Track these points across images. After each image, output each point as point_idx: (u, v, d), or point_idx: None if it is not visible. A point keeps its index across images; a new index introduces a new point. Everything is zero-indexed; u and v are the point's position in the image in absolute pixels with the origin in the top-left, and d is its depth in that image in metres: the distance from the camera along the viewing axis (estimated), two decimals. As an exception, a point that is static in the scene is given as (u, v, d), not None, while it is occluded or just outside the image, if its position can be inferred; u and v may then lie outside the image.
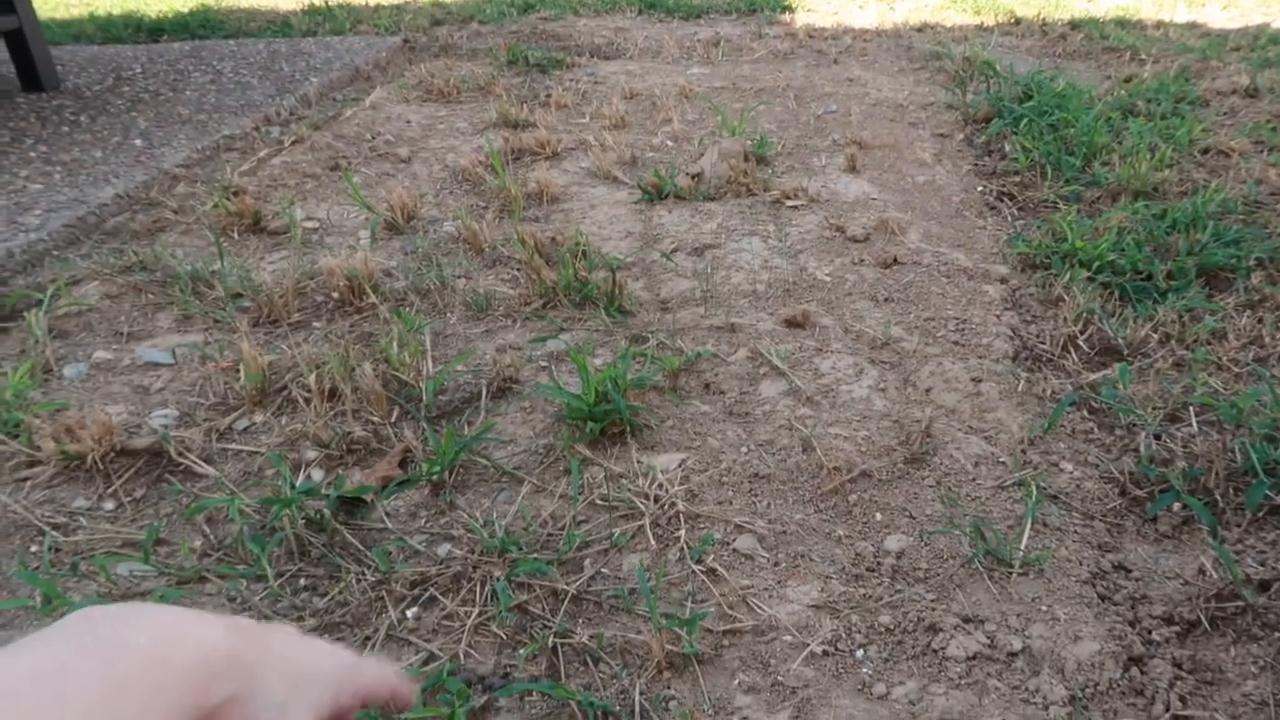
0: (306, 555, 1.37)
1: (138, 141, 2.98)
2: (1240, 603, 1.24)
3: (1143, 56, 3.99)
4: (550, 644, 1.19)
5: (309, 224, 2.46)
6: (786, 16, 4.99)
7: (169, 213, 2.50)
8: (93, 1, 5.84)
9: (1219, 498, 1.44)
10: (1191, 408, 1.64)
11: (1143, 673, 1.14)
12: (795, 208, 2.46)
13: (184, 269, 2.16)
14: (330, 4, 5.40)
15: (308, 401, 1.70)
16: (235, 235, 2.39)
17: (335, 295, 2.06)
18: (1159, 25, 4.64)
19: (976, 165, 2.85)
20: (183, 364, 1.87)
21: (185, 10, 5.10)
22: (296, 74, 3.76)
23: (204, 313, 2.02)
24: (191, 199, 2.61)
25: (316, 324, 2.00)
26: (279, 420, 1.67)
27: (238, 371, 1.78)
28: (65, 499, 1.48)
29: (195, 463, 1.55)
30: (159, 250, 2.25)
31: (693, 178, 2.64)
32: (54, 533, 1.40)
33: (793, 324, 1.90)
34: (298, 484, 1.50)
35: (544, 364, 1.82)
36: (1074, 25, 4.60)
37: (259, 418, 1.69)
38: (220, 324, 2.00)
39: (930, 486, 1.47)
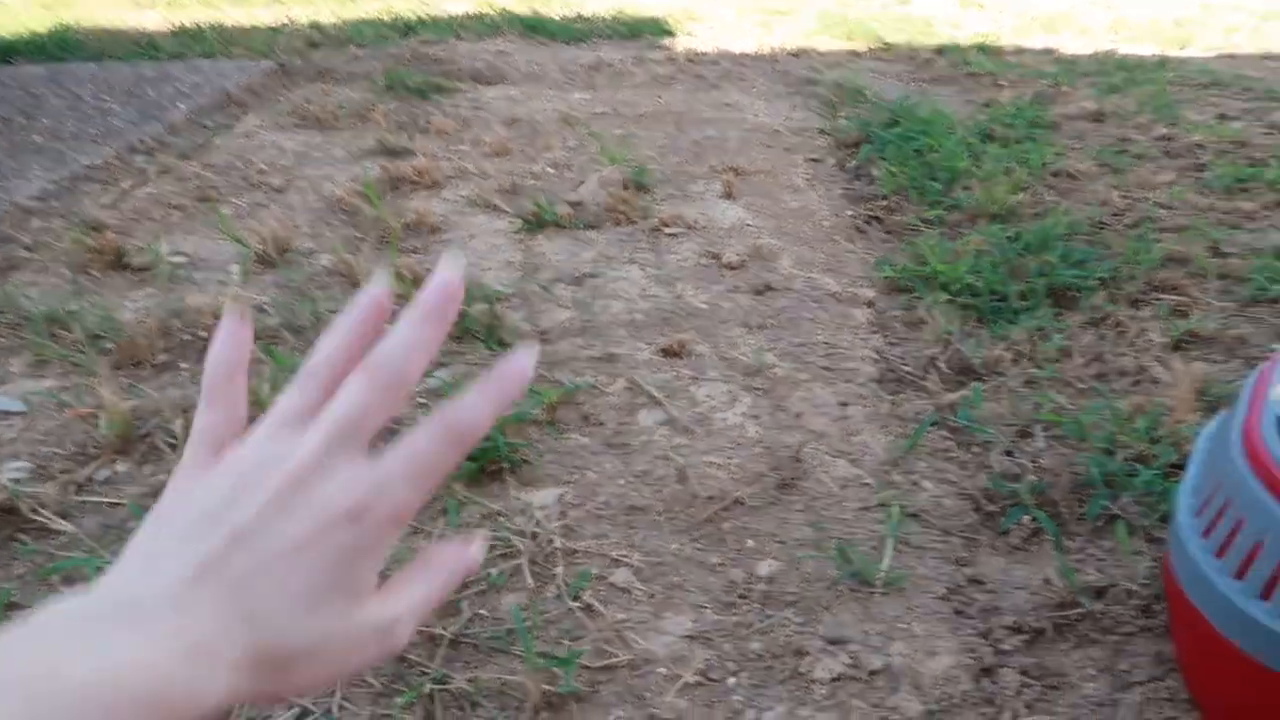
0: (171, 611, 1.32)
1: (-12, 173, 2.83)
2: (1080, 609, 1.32)
3: (1001, 82, 4.22)
4: (428, 691, 1.19)
5: (176, 259, 2.39)
6: (668, 41, 5.09)
7: (21, 250, 2.38)
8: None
9: (1064, 510, 1.53)
10: (1040, 424, 1.74)
11: (993, 682, 1.21)
12: (673, 235, 2.51)
13: (38, 309, 2.06)
14: (201, 25, 5.24)
15: (173, 448, 1.64)
16: (95, 273, 2.30)
17: (203, 334, 2.00)
18: (1017, 51, 4.91)
19: (847, 190, 2.96)
20: (37, 412, 1.79)
21: (42, 30, 4.86)
22: (163, 99, 3.64)
23: (61, 356, 1.93)
24: (47, 234, 2.49)
25: (184, 365, 1.94)
26: (142, 469, 1.62)
27: (97, 418, 1.71)
28: (-95, 564, 1.40)
29: (50, 519, 1.49)
30: (10, 290, 2.15)
31: (573, 206, 2.67)
32: (-108, 602, 1.32)
33: (670, 353, 1.94)
34: (162, 536, 1.45)
35: (423, 401, 1.81)
36: (939, 51, 4.83)
37: (121, 467, 1.63)
38: (79, 368, 1.91)
39: (800, 511, 1.52)
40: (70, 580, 1.39)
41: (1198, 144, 3.29)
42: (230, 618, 0.33)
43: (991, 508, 1.55)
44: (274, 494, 0.35)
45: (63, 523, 1.48)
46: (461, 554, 0.41)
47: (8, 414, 1.79)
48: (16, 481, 1.57)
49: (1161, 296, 2.23)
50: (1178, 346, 2.02)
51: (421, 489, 0.37)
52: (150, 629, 0.31)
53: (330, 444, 0.37)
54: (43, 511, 1.50)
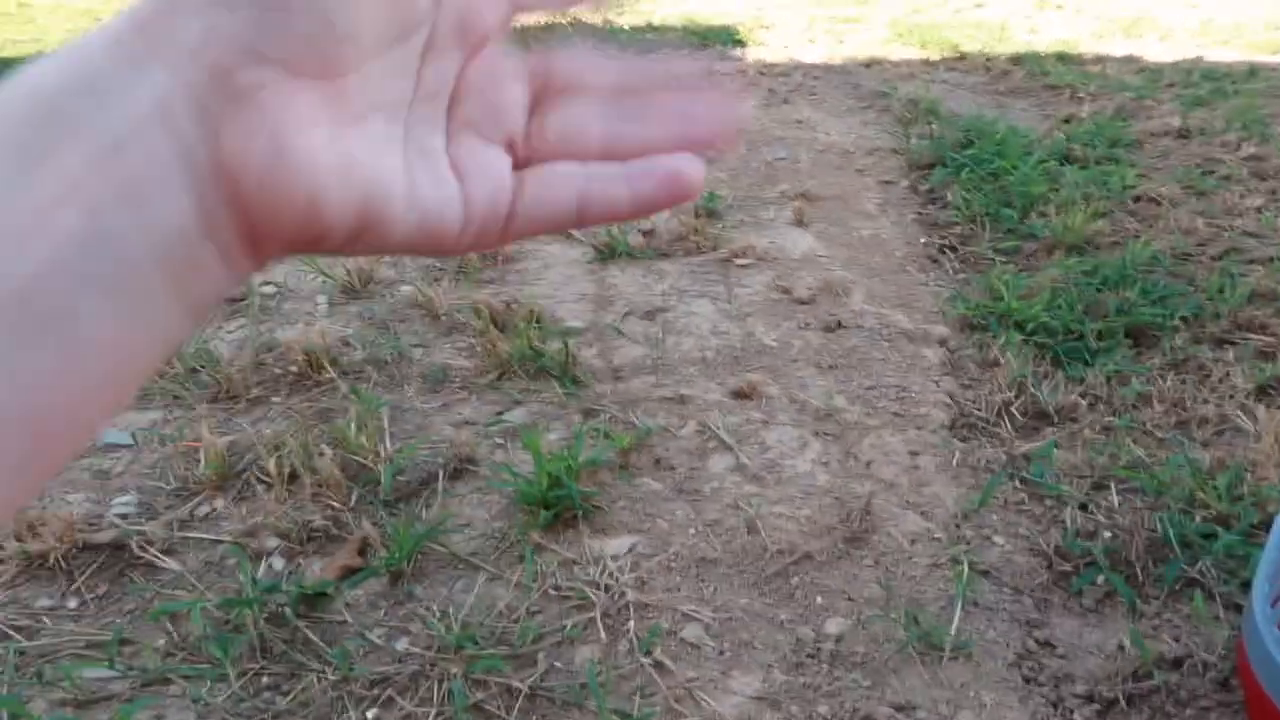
0: (269, 653, 1.41)
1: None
2: (1154, 680, 1.32)
3: (1081, 95, 4.13)
4: (506, 742, 1.24)
5: (266, 289, 2.49)
6: (738, 51, 5.09)
7: (125, 280, 2.51)
8: None
9: (1139, 571, 1.52)
10: (1116, 479, 1.73)
11: (1063, 757, 1.22)
12: (744, 266, 2.53)
13: (141, 342, 2.18)
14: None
15: (268, 487, 1.73)
16: (192, 303, 2.41)
17: (293, 369, 2.09)
18: (1098, 60, 4.79)
19: (920, 215, 2.95)
20: (142, 445, 1.90)
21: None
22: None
23: (162, 390, 2.04)
24: (147, 263, 2.62)
25: (275, 399, 2.04)
26: (239, 508, 1.71)
27: (198, 454, 1.81)
28: (29, 599, 1.51)
29: (157, 556, 1.58)
30: (116, 323, 2.27)
31: (645, 235, 2.71)
32: (18, 636, 1.43)
33: (740, 395, 1.97)
34: (259, 577, 1.54)
35: (500, 441, 1.87)
36: (1016, 60, 4.74)
37: (219, 504, 1.73)
38: (179, 401, 2.02)
39: (869, 566, 1.54)
40: (176, 618, 1.48)
41: (1289, 165, 3.18)
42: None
43: (1065, 566, 1.55)
44: None
45: (168, 560, 1.58)
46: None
47: (117, 447, 1.90)
48: (124, 518, 1.67)
49: (1248, 336, 2.18)
50: (1263, 392, 1.98)
51: None
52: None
53: None
54: (150, 549, 1.60)
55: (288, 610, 1.45)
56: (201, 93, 0.23)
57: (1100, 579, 1.52)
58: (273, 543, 1.62)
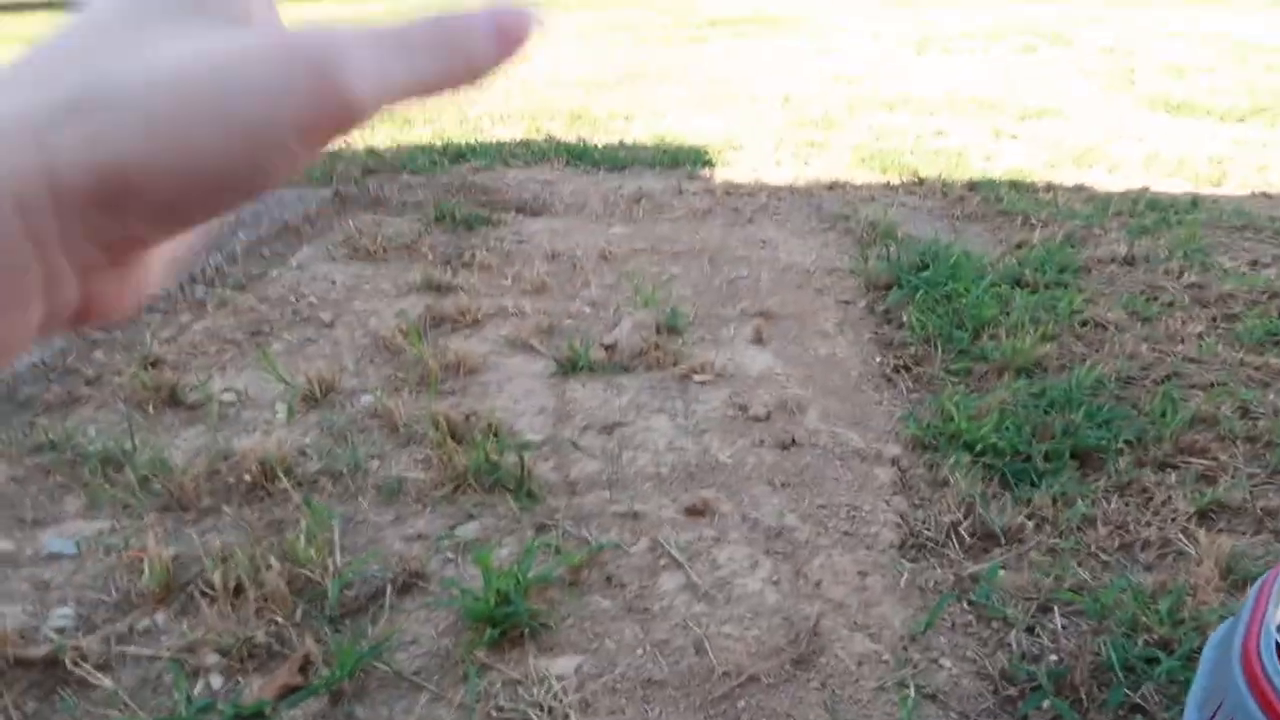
0: (198, 777, 1.37)
1: (59, 304, 3.00)
2: (1097, 813, 1.31)
3: (1033, 221, 4.30)
4: None
5: (227, 396, 2.50)
6: (706, 171, 5.27)
7: (84, 385, 2.52)
8: None
9: (1084, 696, 1.53)
10: (1061, 601, 1.75)
11: None
12: (703, 383, 2.58)
13: (94, 448, 2.17)
14: (266, 150, 5.54)
15: (211, 601, 1.71)
16: (151, 410, 2.41)
17: (247, 478, 2.09)
18: (1049, 188, 5.01)
19: (876, 334, 3.02)
20: (86, 555, 1.87)
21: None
22: (225, 228, 3.84)
23: (112, 498, 2.03)
24: (109, 368, 2.63)
25: (227, 508, 2.02)
26: (180, 622, 1.68)
27: (142, 564, 1.79)
28: (-49, 716, 1.47)
29: (90, 673, 1.55)
30: (70, 428, 2.26)
31: (607, 349, 2.76)
32: (-64, 757, 1.38)
33: (693, 512, 1.99)
34: (195, 695, 1.51)
35: (451, 555, 1.86)
36: (972, 186, 4.94)
37: (160, 618, 1.70)
38: (129, 510, 2.01)
39: (815, 689, 1.53)
40: (104, 738, 1.44)
41: (1229, 293, 3.31)
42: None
43: (1010, 690, 1.55)
44: None
45: (103, 677, 1.54)
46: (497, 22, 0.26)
47: (59, 556, 1.87)
48: (61, 631, 1.64)
49: (1190, 460, 2.24)
50: (1204, 516, 2.02)
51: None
52: None
53: None
54: (84, 664, 1.56)
55: (221, 731, 1.42)
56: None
57: (1046, 703, 1.52)
58: (212, 659, 1.59)
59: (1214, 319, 3.12)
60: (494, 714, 1.47)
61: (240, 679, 1.55)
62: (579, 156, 5.49)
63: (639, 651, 1.61)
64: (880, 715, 1.48)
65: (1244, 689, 1.03)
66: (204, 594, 1.74)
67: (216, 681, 1.55)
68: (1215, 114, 6.56)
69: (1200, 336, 2.95)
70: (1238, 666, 1.06)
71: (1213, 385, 2.60)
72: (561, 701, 1.48)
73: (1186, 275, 3.50)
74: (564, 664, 1.57)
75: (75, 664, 1.56)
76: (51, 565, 1.84)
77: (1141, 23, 11.87)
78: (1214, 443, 2.29)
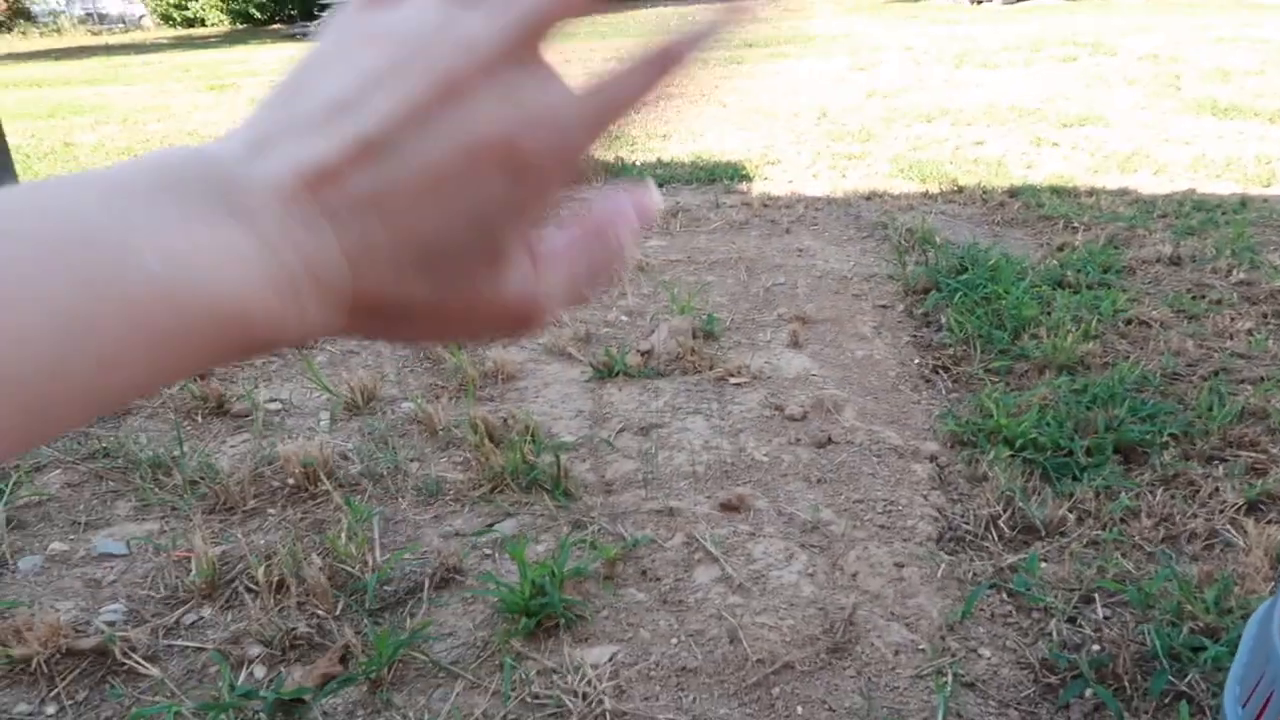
0: (240, 761, 1.40)
1: (113, 322, 3.11)
2: (1141, 798, 1.28)
3: (1075, 224, 4.25)
4: None
5: (272, 405, 2.56)
6: (743, 185, 5.29)
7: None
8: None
9: (1126, 684, 1.50)
10: (1104, 591, 1.72)
11: None
12: (738, 385, 2.58)
13: (145, 455, 2.24)
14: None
15: (255, 595, 1.75)
16: (199, 419, 2.48)
17: (291, 481, 2.13)
18: (1091, 192, 4.94)
19: (915, 337, 3.01)
20: (136, 555, 1.92)
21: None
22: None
23: (161, 501, 2.09)
24: (160, 381, 2.71)
25: (271, 510, 2.07)
26: (225, 615, 1.72)
27: (190, 563, 1.84)
28: (8, 704, 1.51)
29: (139, 663, 1.59)
30: (122, 436, 2.34)
31: (643, 355, 2.77)
32: (-8, 741, 1.43)
33: (729, 508, 1.99)
34: (239, 684, 1.54)
35: (488, 551, 1.89)
36: (1012, 193, 4.89)
37: (206, 612, 1.74)
38: (177, 512, 2.06)
39: (851, 677, 1.52)
40: (151, 725, 1.48)
41: (1279, 289, 3.24)
42: (333, 247, 0.26)
43: (1051, 679, 1.52)
44: (424, 93, 0.27)
45: (150, 667, 1.58)
46: (627, 207, 0.33)
47: (111, 556, 1.93)
48: (111, 625, 1.69)
49: (1238, 453, 2.19)
50: (1253, 508, 1.97)
51: (599, 130, 0.30)
52: (244, 227, 0.25)
53: (507, 35, 0.28)
54: (133, 655, 1.61)
55: (263, 716, 1.44)
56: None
57: (1088, 692, 1.49)
58: (256, 650, 1.63)
59: (1264, 315, 3.05)
60: (529, 700, 1.48)
61: (282, 669, 1.58)
62: (616, 174, 5.55)
63: (673, 641, 1.61)
64: (917, 703, 1.47)
65: (1284, 657, 1.01)
66: (248, 589, 1.78)
67: (259, 671, 1.59)
68: (1264, 116, 6.43)
69: (1249, 333, 2.88)
70: (1277, 639, 1.04)
71: (1262, 380, 2.54)
72: (595, 688, 1.49)
73: (1235, 273, 3.43)
74: (598, 653, 1.58)
75: (124, 655, 1.60)
76: (103, 565, 1.90)
77: (1186, 30, 11.69)
78: (1263, 436, 2.24)
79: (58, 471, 2.22)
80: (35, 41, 21.00)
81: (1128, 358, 2.69)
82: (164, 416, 2.51)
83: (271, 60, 13.77)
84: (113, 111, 8.72)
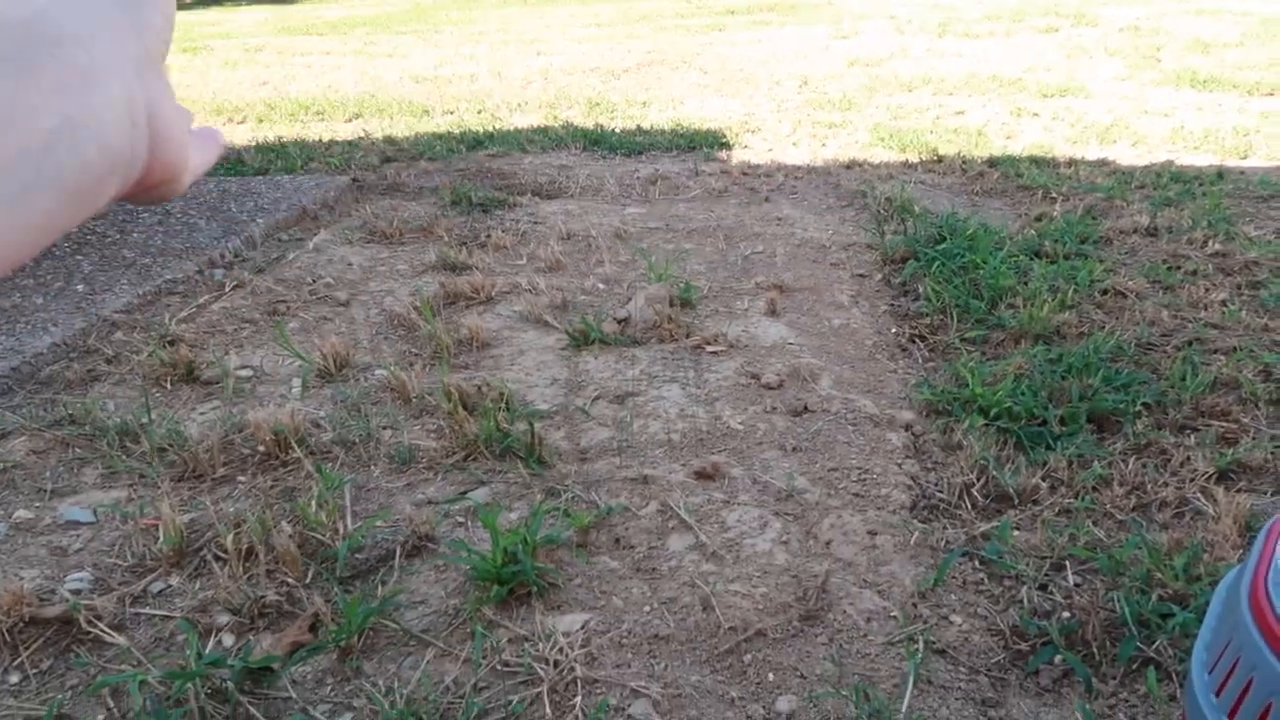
0: (208, 729, 1.38)
1: (80, 286, 3.05)
2: (1108, 761, 1.30)
3: (1053, 195, 4.24)
4: (442, 821, 1.21)
5: (243, 372, 2.52)
6: (723, 153, 5.25)
7: (104, 363, 2.55)
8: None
9: (1095, 650, 1.51)
10: (1074, 559, 1.72)
11: (1011, 838, 1.19)
12: (715, 353, 2.57)
13: (112, 422, 2.20)
14: (285, 140, 5.59)
15: (224, 564, 1.73)
16: (168, 385, 2.44)
17: (261, 449, 2.10)
18: (1070, 163, 4.94)
19: (892, 306, 3.00)
20: (103, 523, 1.89)
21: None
22: (244, 214, 3.88)
23: (129, 468, 2.05)
24: (128, 347, 2.66)
25: (241, 478, 2.04)
26: (193, 584, 1.70)
27: (157, 531, 1.81)
28: (-31, 673, 1.49)
29: (105, 631, 1.57)
30: (89, 403, 2.30)
31: (619, 323, 2.75)
32: (-47, 710, 1.41)
33: (703, 476, 1.98)
34: (207, 651, 1.52)
35: (461, 520, 1.87)
36: (992, 163, 4.88)
37: (174, 580, 1.72)
38: (145, 479, 2.03)
39: (823, 644, 1.52)
40: (118, 693, 1.46)
41: (1253, 261, 3.25)
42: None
43: (1021, 645, 1.53)
44: None
45: (116, 636, 1.56)
46: (218, 136, 0.43)
47: (77, 524, 1.90)
48: (76, 593, 1.66)
49: (1210, 422, 2.20)
50: (1223, 477, 1.99)
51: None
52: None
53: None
54: (99, 624, 1.58)
55: (230, 685, 1.43)
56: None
57: (1057, 658, 1.50)
58: (224, 618, 1.61)
59: (1238, 286, 3.06)
60: (500, 668, 1.47)
61: (251, 637, 1.57)
62: (596, 142, 5.49)
63: (646, 609, 1.60)
64: (888, 669, 1.47)
65: (1251, 625, 1.02)
66: (217, 557, 1.76)
67: (228, 639, 1.57)
68: (1242, 88, 6.44)
69: (1223, 303, 2.90)
70: (1245, 603, 1.04)
71: (1235, 350, 2.55)
72: (567, 656, 1.48)
73: (1210, 244, 3.45)
74: (570, 620, 1.57)
75: (90, 623, 1.58)
76: (69, 532, 1.87)
77: (1167, 1, 11.68)
78: (1235, 405, 2.25)
79: (23, 438, 2.18)
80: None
81: (1103, 327, 2.70)
82: (131, 383, 2.47)
83: (247, 23, 13.50)
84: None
